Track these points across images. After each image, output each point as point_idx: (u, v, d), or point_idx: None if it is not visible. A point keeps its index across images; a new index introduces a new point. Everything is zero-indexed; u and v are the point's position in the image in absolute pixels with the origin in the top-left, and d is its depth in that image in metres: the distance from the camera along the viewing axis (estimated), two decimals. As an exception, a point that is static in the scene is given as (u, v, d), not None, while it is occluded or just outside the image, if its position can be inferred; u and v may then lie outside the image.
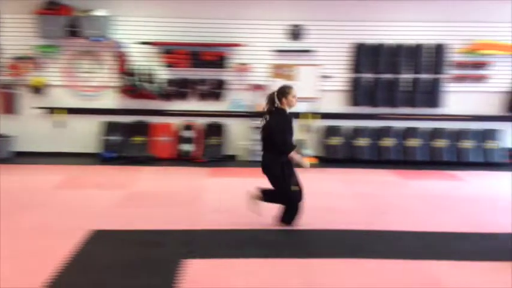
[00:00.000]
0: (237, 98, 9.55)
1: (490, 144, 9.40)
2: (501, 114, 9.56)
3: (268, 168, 5.37)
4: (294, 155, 5.25)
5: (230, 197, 6.78)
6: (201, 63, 9.34)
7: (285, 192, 5.34)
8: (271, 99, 5.35)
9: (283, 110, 5.33)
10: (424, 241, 5.19)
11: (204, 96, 9.54)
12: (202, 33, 9.34)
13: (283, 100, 5.29)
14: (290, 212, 5.43)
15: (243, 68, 9.42)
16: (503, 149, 9.44)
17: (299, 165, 5.33)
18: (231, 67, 9.42)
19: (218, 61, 9.36)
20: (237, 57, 9.44)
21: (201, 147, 9.46)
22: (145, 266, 4.40)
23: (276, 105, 5.30)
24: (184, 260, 4.49)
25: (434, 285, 4.18)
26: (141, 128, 9.51)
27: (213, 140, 9.51)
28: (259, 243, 5.04)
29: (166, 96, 9.51)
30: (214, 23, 9.36)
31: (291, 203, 5.40)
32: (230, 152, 9.62)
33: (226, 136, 9.62)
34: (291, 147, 5.25)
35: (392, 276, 4.30)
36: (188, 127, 9.53)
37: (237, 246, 4.93)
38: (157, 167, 8.81)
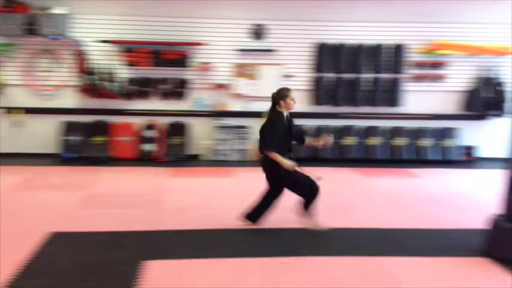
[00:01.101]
0: (200, 97, 9.51)
1: (447, 142, 9.64)
2: (458, 113, 9.81)
3: (266, 169, 5.31)
4: (274, 156, 5.13)
5: (192, 197, 6.75)
6: (163, 62, 9.26)
7: (302, 187, 5.28)
8: (272, 100, 5.31)
9: (278, 114, 5.25)
10: (383, 238, 5.28)
11: (167, 95, 9.47)
12: (164, 31, 9.26)
13: (281, 103, 5.24)
14: (307, 200, 5.38)
15: (205, 67, 9.39)
16: (460, 147, 9.69)
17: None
18: (193, 66, 9.38)
19: (180, 60, 9.30)
20: (199, 56, 9.40)
21: (163, 147, 9.38)
22: (105, 268, 4.34)
23: (276, 107, 5.27)
24: (144, 261, 4.45)
25: (391, 281, 4.25)
26: (102, 128, 9.36)
27: (176, 140, 9.44)
28: (220, 243, 5.04)
29: (128, 95, 9.39)
30: (177, 21, 9.30)
31: (312, 194, 5.32)
32: (193, 152, 9.58)
33: (189, 135, 9.57)
34: (266, 148, 5.16)
35: (350, 273, 4.36)
36: (150, 127, 9.43)
37: (199, 247, 4.91)
38: (118, 167, 8.69)
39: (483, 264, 4.57)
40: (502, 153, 8.04)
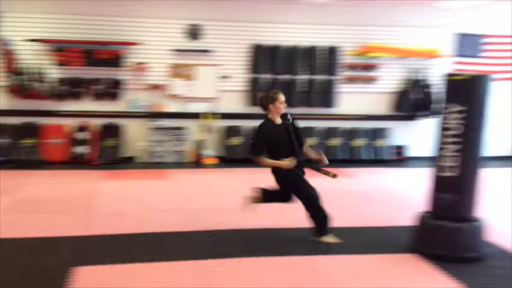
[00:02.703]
0: (135, 98, 9.33)
1: (379, 142, 9.94)
2: (389, 113, 10.13)
3: (273, 173, 5.15)
4: (263, 161, 4.96)
5: (127, 200, 6.61)
6: (95, 62, 9.02)
7: (303, 196, 5.11)
8: (260, 105, 5.13)
9: (266, 119, 5.07)
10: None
11: (99, 96, 9.22)
12: (97, 30, 9.03)
13: (271, 107, 5.02)
14: (318, 220, 5.14)
15: (140, 67, 9.22)
16: (391, 147, 10.01)
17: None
18: (127, 66, 9.19)
19: (114, 60, 9.08)
20: (134, 56, 9.22)
21: (96, 149, 9.13)
22: (33, 275, 4.17)
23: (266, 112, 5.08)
24: (75, 267, 4.31)
25: (323, 279, 4.33)
26: (31, 130, 9.00)
27: (109, 142, 9.21)
28: (154, 247, 4.95)
29: (58, 96, 9.07)
30: (110, 20, 9.08)
31: (314, 208, 5.12)
32: (128, 154, 9.38)
33: (124, 137, 9.36)
34: (252, 154, 5.00)
35: (283, 273, 4.40)
36: (82, 128, 9.15)
37: (132, 251, 4.81)
38: (49, 170, 8.39)
39: (411, 261, 4.73)
40: (430, 152, 8.37)
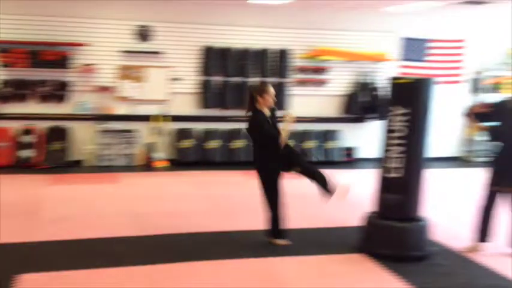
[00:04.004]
0: (82, 100, 9.11)
1: (330, 144, 10.08)
2: (339, 116, 10.30)
3: (259, 169, 5.08)
4: (283, 139, 4.95)
5: (73, 205, 6.45)
6: (41, 63, 8.74)
7: (274, 196, 5.09)
8: (249, 96, 5.05)
9: (259, 111, 4.98)
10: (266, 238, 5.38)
11: (46, 98, 8.94)
12: (43, 31, 8.76)
13: (259, 99, 4.95)
14: (276, 223, 5.16)
15: (87, 68, 9.01)
16: (342, 148, 10.18)
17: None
18: (75, 68, 8.97)
19: (60, 61, 8.84)
20: (81, 58, 9.00)
21: (42, 153, 8.85)
22: (-28, 285, 4.00)
23: (255, 104, 4.97)
24: (17, 275, 4.17)
25: (274, 281, 4.35)
26: (-27, 133, 8.67)
27: (56, 145, 8.95)
28: (103, 252, 4.85)
29: (3, 98, 8.75)
30: (56, 20, 8.84)
31: (276, 211, 5.14)
32: (76, 158, 9.14)
33: (71, 140, 9.12)
34: (273, 137, 4.96)
35: (236, 276, 4.40)
36: (28, 131, 8.86)
37: (79, 258, 4.69)
38: (-8, 175, 8.09)
39: (359, 260, 4.83)
40: (378, 154, 8.55)
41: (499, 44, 10.77)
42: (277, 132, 5.03)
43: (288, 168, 5.15)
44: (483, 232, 5.12)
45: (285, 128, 5.01)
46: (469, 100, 9.79)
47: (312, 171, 5.23)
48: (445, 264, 4.80)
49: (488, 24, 10.52)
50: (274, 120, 5.15)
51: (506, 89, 9.87)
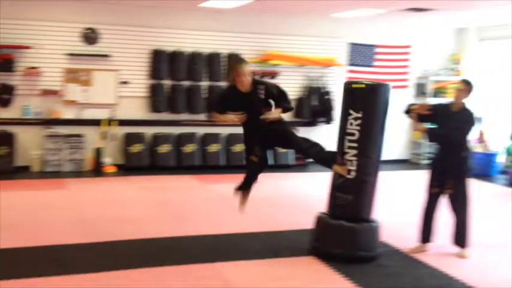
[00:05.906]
0: (28, 104, 8.83)
1: (281, 148, 10.12)
2: (290, 120, 10.36)
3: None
4: (215, 116, 5.09)
5: (18, 213, 6.23)
6: (-17, 66, 8.44)
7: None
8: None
9: (231, 86, 4.96)
10: (219, 243, 5.37)
11: (-12, 102, 8.64)
12: (-16, 33, 8.46)
13: (233, 76, 4.89)
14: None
15: (32, 72, 8.74)
16: (293, 152, 10.25)
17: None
18: (19, 71, 8.68)
19: (4, 64, 8.53)
20: (26, 61, 8.72)
21: (-15, 158, 8.53)
22: None
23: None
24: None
25: (225, 286, 4.34)
26: None
27: (2, 150, 8.62)
28: (48, 260, 4.70)
29: None
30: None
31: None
32: (21, 163, 8.84)
33: (16, 146, 8.81)
34: (207, 109, 5.07)
35: (185, 282, 4.36)
36: (-31, 137, 8.53)
37: (24, 266, 4.54)
38: None
39: (309, 262, 4.88)
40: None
41: (442, 49, 11.19)
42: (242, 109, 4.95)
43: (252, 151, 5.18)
44: (426, 233, 5.30)
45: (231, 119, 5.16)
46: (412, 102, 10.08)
47: (306, 148, 5.25)
48: (393, 265, 4.91)
49: (432, 30, 10.91)
50: (250, 96, 4.88)
51: (450, 94, 10.23)
